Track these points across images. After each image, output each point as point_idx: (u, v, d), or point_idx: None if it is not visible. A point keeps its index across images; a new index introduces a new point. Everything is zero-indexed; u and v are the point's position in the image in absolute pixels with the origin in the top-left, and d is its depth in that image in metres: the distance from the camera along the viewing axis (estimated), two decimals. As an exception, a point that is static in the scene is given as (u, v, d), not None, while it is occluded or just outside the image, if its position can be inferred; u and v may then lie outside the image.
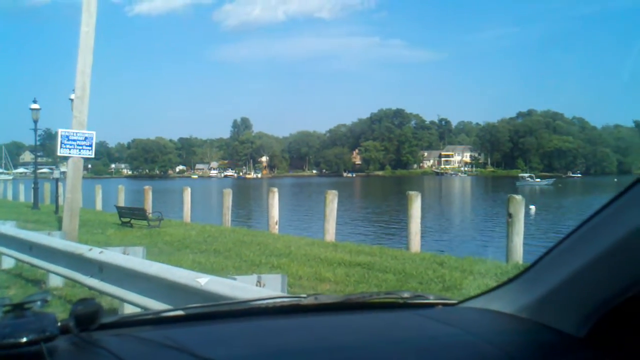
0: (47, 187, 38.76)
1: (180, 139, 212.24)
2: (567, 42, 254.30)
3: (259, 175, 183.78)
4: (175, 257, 12.77)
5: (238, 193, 59.91)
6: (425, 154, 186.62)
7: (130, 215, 22.60)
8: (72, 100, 16.06)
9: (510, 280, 1.54)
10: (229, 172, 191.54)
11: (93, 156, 14.78)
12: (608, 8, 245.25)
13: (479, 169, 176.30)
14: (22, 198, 42.87)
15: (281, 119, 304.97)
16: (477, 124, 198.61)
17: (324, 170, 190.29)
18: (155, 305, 5.13)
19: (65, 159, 14.88)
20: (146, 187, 29.08)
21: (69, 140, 13.95)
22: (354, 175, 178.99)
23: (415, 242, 15.31)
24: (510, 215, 12.50)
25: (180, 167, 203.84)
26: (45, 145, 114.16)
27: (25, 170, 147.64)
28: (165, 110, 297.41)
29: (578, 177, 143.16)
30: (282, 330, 1.34)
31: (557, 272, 1.36)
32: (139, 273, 5.68)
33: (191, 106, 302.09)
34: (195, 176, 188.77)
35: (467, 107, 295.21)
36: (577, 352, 1.30)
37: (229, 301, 1.56)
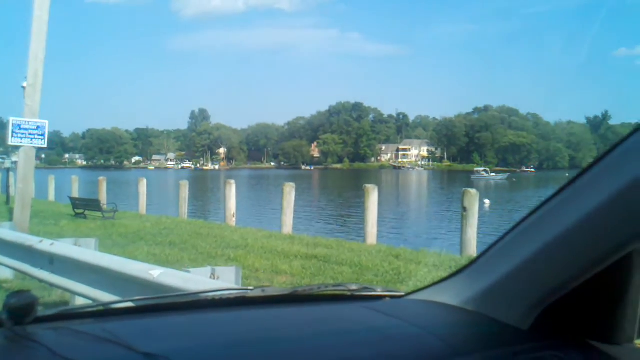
0: (-3, 177, 37.80)
1: (137, 130, 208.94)
2: (522, 39, 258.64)
3: (217, 167, 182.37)
4: (130, 249, 12.60)
5: (195, 185, 59.41)
6: (383, 147, 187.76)
7: (84, 206, 22.17)
8: (24, 87, 15.57)
9: (457, 273, 1.55)
10: (186, 164, 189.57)
11: (46, 146, 14.40)
12: (561, 6, 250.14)
13: (435, 163, 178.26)
14: (-29, 188, 41.74)
15: (239, 111, 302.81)
16: (435, 118, 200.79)
17: (283, 163, 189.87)
18: (107, 297, 5.05)
19: (17, 148, 14.47)
20: (101, 178, 28.63)
21: (20, 129, 13.57)
22: (312, 168, 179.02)
23: (372, 235, 15.43)
24: (464, 209, 12.68)
25: (136, 158, 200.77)
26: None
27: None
28: (122, 100, 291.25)
29: (532, 171, 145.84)
30: (226, 322, 1.33)
31: (502, 265, 1.37)
32: (91, 265, 5.57)
33: (148, 96, 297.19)
34: (152, 167, 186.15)
35: (425, 101, 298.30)
36: (520, 344, 1.31)
37: (175, 293, 1.53)
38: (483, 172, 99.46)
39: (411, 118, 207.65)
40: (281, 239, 15.44)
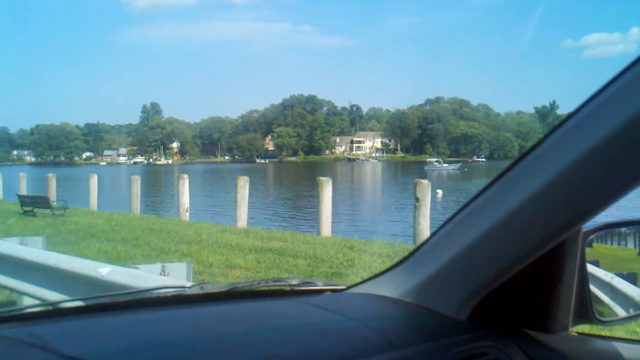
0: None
1: (87, 125, 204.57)
2: (472, 31, 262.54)
3: (170, 162, 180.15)
4: (80, 247, 12.38)
5: (148, 180, 58.62)
6: (338, 139, 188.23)
7: (33, 204, 21.62)
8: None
9: (397, 264, 1.55)
10: (139, 159, 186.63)
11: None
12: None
13: (389, 154, 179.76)
14: None
15: (192, 105, 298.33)
16: (388, 110, 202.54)
17: (237, 157, 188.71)
18: (55, 296, 4.94)
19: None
20: (50, 174, 27.99)
21: (-37, 125, 13.16)
22: (267, 161, 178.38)
23: (327, 227, 15.49)
24: (417, 199, 12.81)
25: (87, 154, 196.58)
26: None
27: None
28: (71, 95, 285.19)
29: (483, 161, 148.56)
30: (160, 321, 1.29)
31: (439, 255, 1.37)
32: (37, 264, 5.43)
33: (98, 90, 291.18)
34: (104, 163, 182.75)
35: (378, 94, 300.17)
36: (457, 335, 1.32)
37: (113, 292, 1.49)
38: (436, 163, 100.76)
39: (365, 110, 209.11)
40: (236, 233, 15.37)
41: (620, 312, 1.60)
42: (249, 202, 18.50)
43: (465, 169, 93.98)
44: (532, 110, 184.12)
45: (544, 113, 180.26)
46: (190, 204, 20.59)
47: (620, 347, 1.38)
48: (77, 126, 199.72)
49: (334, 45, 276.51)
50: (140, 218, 20.12)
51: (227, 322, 1.31)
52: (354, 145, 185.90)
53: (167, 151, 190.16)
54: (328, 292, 1.64)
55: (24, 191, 26.72)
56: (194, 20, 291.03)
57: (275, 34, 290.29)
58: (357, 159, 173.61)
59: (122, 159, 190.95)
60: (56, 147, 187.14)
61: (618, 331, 6.14)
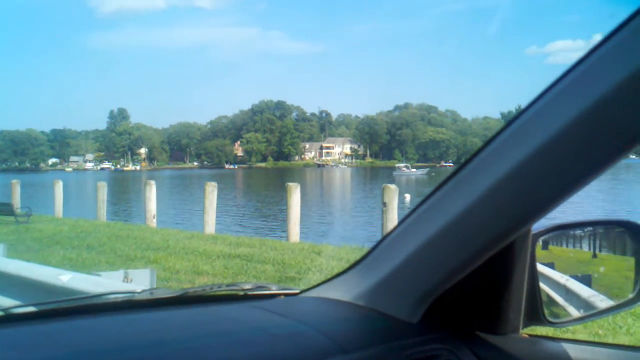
0: None
1: (53, 131, 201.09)
2: (440, 37, 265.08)
3: (138, 168, 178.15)
4: (45, 254, 12.16)
5: (115, 186, 57.92)
6: (307, 145, 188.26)
7: (-5, 211, 21.20)
8: None
9: (349, 268, 1.55)
10: (106, 165, 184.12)
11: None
12: (476, 4, 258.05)
13: (358, 160, 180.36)
14: None
15: (160, 110, 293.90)
16: (357, 116, 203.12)
17: (205, 162, 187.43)
18: (13, 305, 4.84)
19: None
20: (14, 181, 27.44)
21: None
22: (236, 167, 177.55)
23: (295, 233, 15.48)
24: (384, 204, 12.88)
25: (53, 160, 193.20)
26: None
27: None
28: (36, 100, 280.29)
29: (450, 165, 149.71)
30: (107, 327, 1.26)
31: (391, 258, 1.38)
32: (-3, 272, 5.33)
33: (64, 96, 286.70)
34: (70, 169, 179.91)
35: (347, 100, 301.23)
36: (408, 338, 1.32)
37: (58, 299, 1.46)
38: (404, 168, 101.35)
39: (334, 116, 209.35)
40: (203, 239, 15.25)
41: (575, 313, 1.62)
42: (217, 208, 18.39)
43: (433, 174, 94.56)
44: (498, 116, 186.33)
45: (509, 118, 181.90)
46: (157, 210, 20.39)
47: (569, 348, 1.39)
48: (42, 132, 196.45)
49: (303, 51, 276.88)
50: (107, 225, 19.85)
51: (174, 328, 1.29)
52: (324, 151, 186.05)
53: (134, 157, 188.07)
54: (282, 297, 1.63)
55: (-14, 198, 26.19)
56: (162, 25, 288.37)
57: (244, 39, 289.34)
58: (327, 164, 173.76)
59: (89, 165, 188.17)
60: (21, 153, 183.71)
61: (580, 333, 6.24)
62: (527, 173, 1.08)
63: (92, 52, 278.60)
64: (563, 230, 1.63)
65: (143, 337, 1.20)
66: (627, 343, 6.11)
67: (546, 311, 1.47)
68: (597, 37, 1.00)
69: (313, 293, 1.61)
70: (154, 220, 19.84)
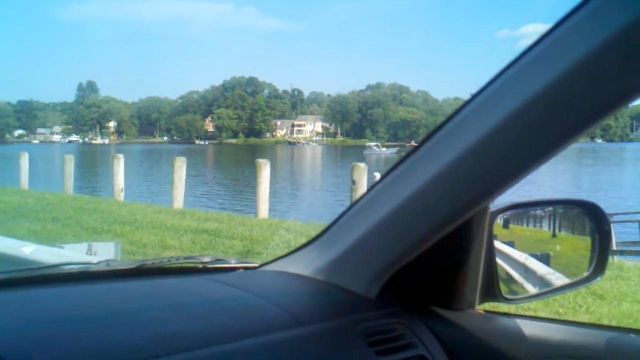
0: None
1: (20, 102, 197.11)
2: (413, 18, 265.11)
3: (107, 141, 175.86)
4: (9, 226, 11.96)
5: (83, 159, 57.19)
6: (279, 123, 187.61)
7: (-42, 182, 20.83)
8: None
9: (309, 242, 1.55)
10: (74, 137, 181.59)
11: None
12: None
13: (329, 138, 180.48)
14: None
15: (130, 84, 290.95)
16: (329, 95, 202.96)
17: (176, 137, 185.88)
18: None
19: None
20: (-23, 152, 26.98)
21: None
22: (207, 142, 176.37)
23: (264, 209, 15.47)
24: (353, 182, 12.93)
25: (19, 132, 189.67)
26: None
27: None
28: (2, 71, 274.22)
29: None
30: (57, 298, 1.24)
31: (350, 233, 1.39)
32: (-43, 243, 5.23)
33: (31, 68, 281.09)
34: (37, 141, 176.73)
35: (319, 78, 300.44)
36: (365, 312, 1.34)
37: (12, 269, 1.44)
38: (375, 147, 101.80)
39: (306, 94, 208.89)
40: (171, 214, 15.15)
41: (531, 290, 1.64)
42: (186, 184, 18.28)
43: (403, 153, 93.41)
44: (468, 97, 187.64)
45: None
46: (125, 184, 20.18)
47: (523, 324, 1.42)
48: (8, 103, 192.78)
49: (277, 28, 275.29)
50: (73, 198, 19.57)
51: (128, 299, 1.27)
52: (295, 128, 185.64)
53: (103, 130, 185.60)
54: (240, 270, 1.63)
55: (-51, 169, 25.68)
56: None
57: (217, 14, 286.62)
58: (298, 142, 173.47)
59: (57, 138, 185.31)
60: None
61: (541, 312, 6.36)
62: (485, 150, 1.09)
63: (62, 23, 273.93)
64: (522, 208, 1.65)
65: (96, 308, 1.19)
66: (585, 321, 6.26)
67: (505, 289, 1.49)
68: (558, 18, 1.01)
69: (272, 267, 1.60)
70: (122, 194, 19.64)
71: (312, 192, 36.38)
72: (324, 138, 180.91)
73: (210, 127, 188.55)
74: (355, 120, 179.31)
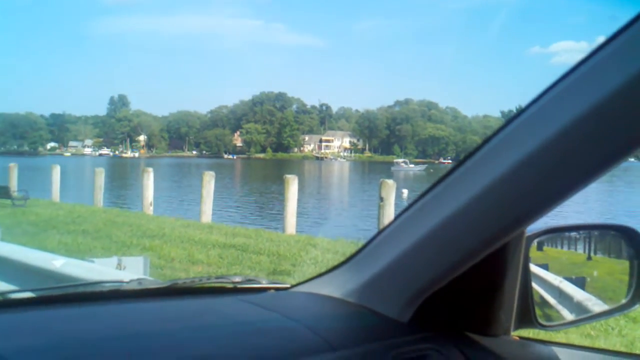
0: None
1: (52, 115, 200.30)
2: (443, 34, 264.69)
3: (137, 155, 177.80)
4: (40, 238, 12.14)
5: (113, 172, 57.88)
6: (306, 138, 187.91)
7: (-7, 193, 21.16)
8: None
9: (341, 264, 1.53)
10: (105, 151, 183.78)
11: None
12: (479, 3, 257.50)
13: (357, 154, 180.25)
14: None
15: (161, 98, 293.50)
16: (357, 110, 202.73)
17: (204, 152, 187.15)
18: (6, 289, 4.83)
19: None
20: (11, 164, 27.41)
21: None
22: (235, 157, 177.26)
23: (291, 225, 15.50)
24: (381, 199, 12.88)
25: (52, 144, 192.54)
26: None
27: None
28: (36, 84, 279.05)
29: (449, 162, 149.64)
30: (89, 317, 1.24)
31: (383, 256, 1.36)
32: (-9, 255, 5.30)
33: (65, 81, 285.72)
34: (68, 154, 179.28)
35: (348, 93, 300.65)
36: (397, 337, 1.31)
37: (46, 287, 1.44)
38: (402, 164, 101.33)
39: (334, 109, 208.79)
40: (199, 228, 15.26)
41: (567, 316, 1.61)
42: (214, 198, 18.41)
43: (431, 170, 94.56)
44: (498, 114, 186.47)
45: (509, 117, 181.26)
46: (154, 198, 20.40)
47: (560, 352, 1.39)
48: (42, 116, 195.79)
49: (305, 44, 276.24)
50: (103, 211, 19.84)
51: (160, 319, 1.27)
52: (323, 144, 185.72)
53: (133, 144, 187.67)
54: (271, 291, 1.62)
55: (-17, 180, 26.14)
56: (165, 13, 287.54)
57: (246, 30, 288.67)
58: (325, 157, 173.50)
59: (88, 151, 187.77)
60: (20, 136, 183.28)
61: (572, 334, 6.24)
62: (523, 174, 1.06)
63: (94, 37, 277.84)
64: (558, 233, 1.62)
65: (128, 328, 1.18)
66: (618, 345, 6.12)
67: (539, 313, 1.45)
68: (600, 39, 0.98)
69: (303, 288, 1.59)
70: (151, 208, 19.85)
71: (340, 208, 36.30)
72: (352, 154, 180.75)
73: (238, 142, 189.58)
74: (383, 137, 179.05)
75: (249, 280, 1.67)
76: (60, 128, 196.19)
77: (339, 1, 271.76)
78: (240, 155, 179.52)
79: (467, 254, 1.21)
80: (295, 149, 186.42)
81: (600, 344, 6.08)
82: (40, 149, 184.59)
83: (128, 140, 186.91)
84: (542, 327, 1.45)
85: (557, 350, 1.39)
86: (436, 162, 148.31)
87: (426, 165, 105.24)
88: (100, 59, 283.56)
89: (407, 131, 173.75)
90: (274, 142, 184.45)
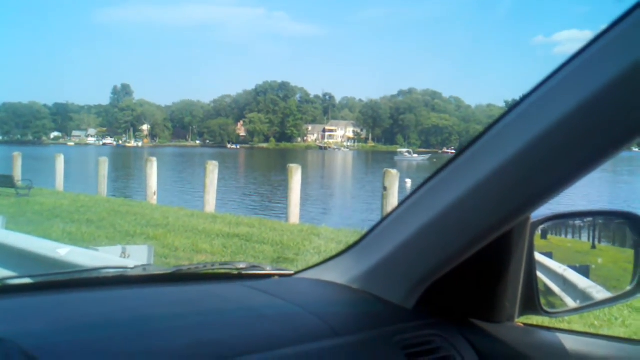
0: None
1: (56, 104, 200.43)
2: (446, 23, 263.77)
3: (140, 144, 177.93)
4: (44, 227, 12.17)
5: (116, 161, 57.96)
6: (310, 127, 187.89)
7: (-4, 182, 21.19)
8: None
9: (345, 250, 1.53)
10: (108, 140, 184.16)
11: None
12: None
13: (360, 144, 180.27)
14: None
15: (164, 87, 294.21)
16: (360, 100, 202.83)
17: (208, 141, 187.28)
18: (9, 275, 4.85)
19: None
20: (15, 153, 27.41)
21: None
22: (238, 147, 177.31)
23: (295, 214, 15.50)
24: (385, 188, 12.87)
25: (55, 134, 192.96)
26: None
27: None
28: (39, 73, 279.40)
29: (452, 152, 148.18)
30: (93, 302, 1.25)
31: (387, 242, 1.36)
32: (-5, 243, 5.32)
33: (68, 70, 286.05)
34: (72, 143, 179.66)
35: (351, 83, 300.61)
36: (402, 323, 1.31)
37: (48, 272, 1.45)
38: (406, 153, 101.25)
39: (338, 99, 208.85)
40: (203, 217, 15.28)
41: (571, 304, 1.61)
42: (218, 188, 18.41)
43: (435, 160, 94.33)
44: (502, 104, 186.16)
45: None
46: (158, 187, 20.40)
47: (564, 338, 1.38)
48: (45, 105, 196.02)
49: (308, 33, 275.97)
50: (107, 200, 19.88)
51: (164, 304, 1.28)
52: (326, 133, 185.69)
53: (137, 133, 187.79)
54: (276, 277, 1.62)
55: (-13, 170, 26.17)
56: (169, 2, 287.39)
57: (249, 19, 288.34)
58: (329, 147, 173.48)
59: (91, 140, 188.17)
60: (23, 125, 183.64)
61: (576, 324, 6.25)
62: (527, 161, 1.06)
63: (98, 27, 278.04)
64: (562, 219, 1.62)
65: (133, 312, 1.19)
66: (622, 335, 6.12)
67: (543, 301, 1.45)
68: (603, 28, 0.98)
69: (307, 275, 1.59)
70: (155, 197, 19.86)
71: (343, 197, 36.35)
72: (355, 143, 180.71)
73: (242, 132, 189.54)
74: (386, 126, 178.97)
75: (254, 267, 1.68)
76: (63, 117, 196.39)
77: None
78: (244, 145, 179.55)
79: (472, 240, 1.21)
80: (299, 139, 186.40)
81: (604, 334, 6.08)
82: (44, 138, 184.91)
83: (131, 129, 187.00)
84: (547, 314, 1.45)
85: (562, 336, 1.39)
86: (440, 151, 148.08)
87: (430, 155, 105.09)
88: (103, 48, 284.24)
89: (410, 121, 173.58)
90: (278, 131, 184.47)
